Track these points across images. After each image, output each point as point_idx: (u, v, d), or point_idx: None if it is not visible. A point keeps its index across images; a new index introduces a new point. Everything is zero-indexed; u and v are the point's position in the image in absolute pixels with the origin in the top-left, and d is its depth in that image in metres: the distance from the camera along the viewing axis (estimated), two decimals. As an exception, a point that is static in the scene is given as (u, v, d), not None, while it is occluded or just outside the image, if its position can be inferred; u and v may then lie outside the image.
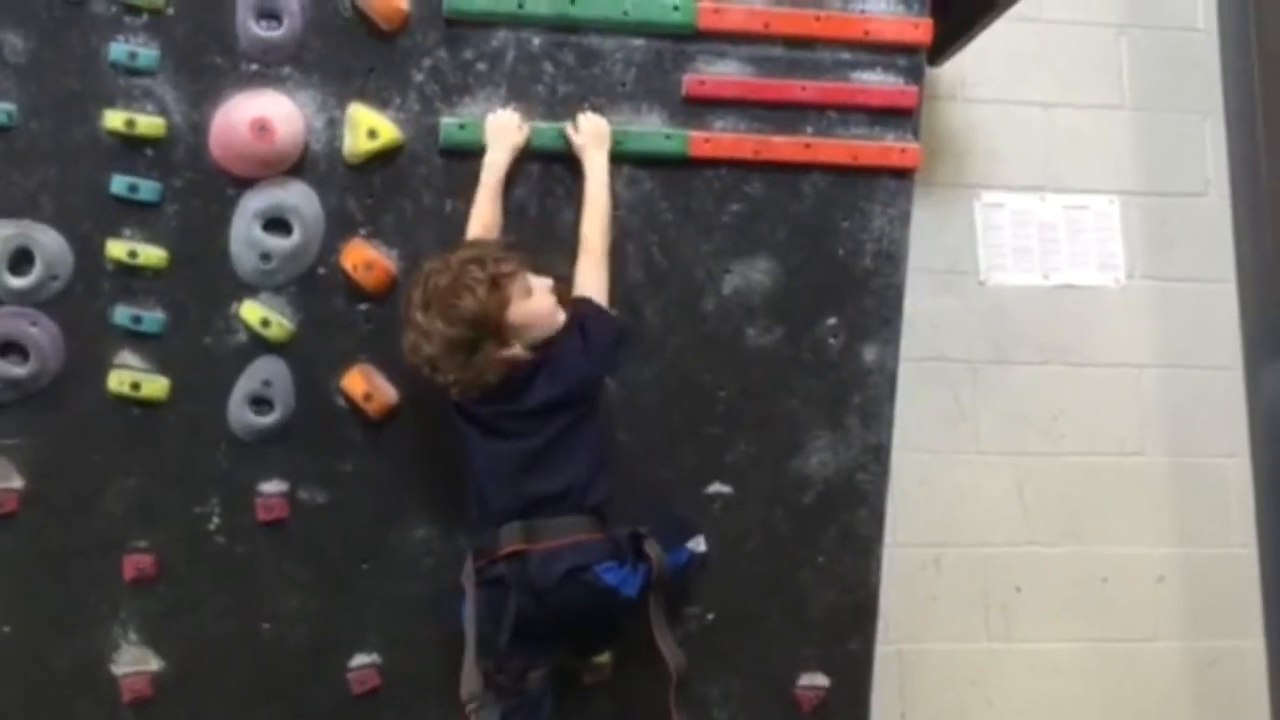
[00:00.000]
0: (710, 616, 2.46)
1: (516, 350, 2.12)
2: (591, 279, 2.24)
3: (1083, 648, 3.35)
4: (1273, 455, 3.37)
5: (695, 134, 2.37)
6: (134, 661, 2.33)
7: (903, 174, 2.47)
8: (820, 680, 2.50)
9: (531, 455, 2.14)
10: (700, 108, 2.39)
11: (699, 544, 2.39)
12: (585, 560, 2.13)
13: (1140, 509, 3.41)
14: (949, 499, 3.32)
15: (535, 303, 2.14)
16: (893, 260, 2.49)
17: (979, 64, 3.32)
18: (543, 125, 2.32)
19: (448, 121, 2.30)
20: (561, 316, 2.18)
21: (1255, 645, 3.40)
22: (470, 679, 2.12)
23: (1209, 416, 3.45)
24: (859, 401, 2.50)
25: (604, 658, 2.38)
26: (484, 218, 2.24)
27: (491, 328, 2.08)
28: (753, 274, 2.44)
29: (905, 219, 2.48)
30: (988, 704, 3.32)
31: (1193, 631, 3.40)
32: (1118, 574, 3.37)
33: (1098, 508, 3.38)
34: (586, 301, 2.22)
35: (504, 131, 2.28)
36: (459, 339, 2.07)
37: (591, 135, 2.30)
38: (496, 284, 2.08)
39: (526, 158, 2.32)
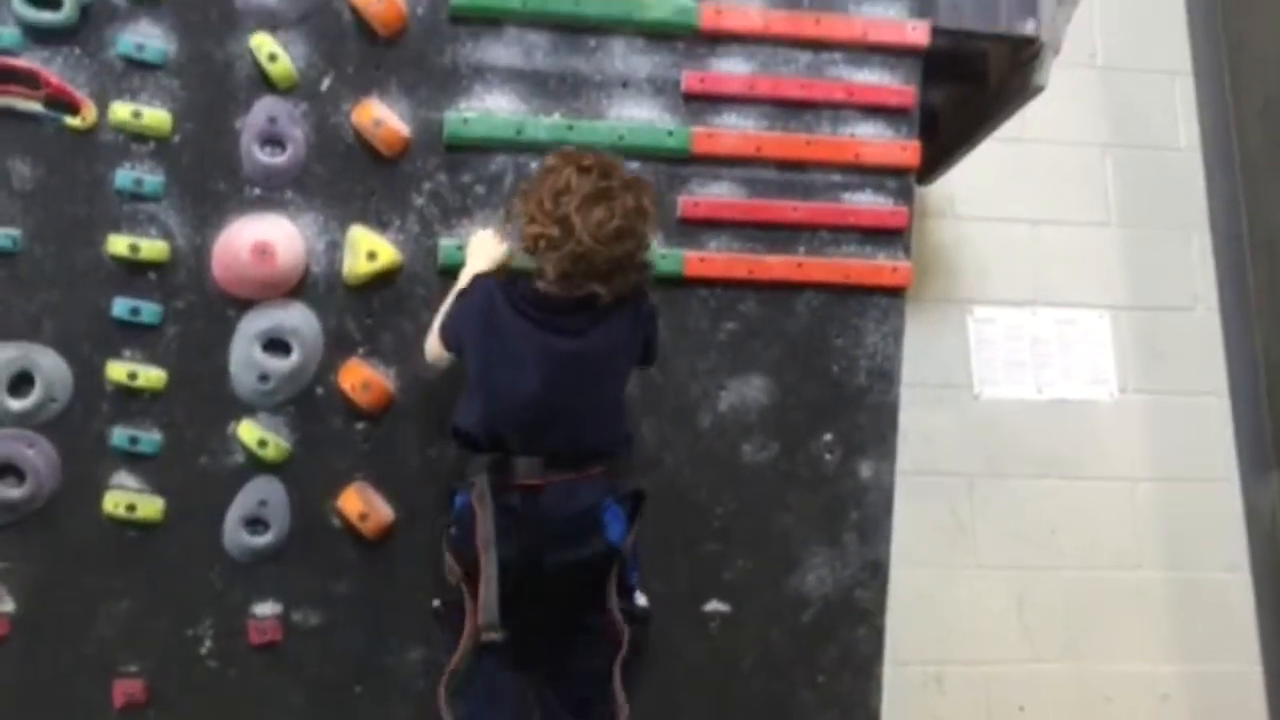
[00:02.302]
0: (709, 739, 2.42)
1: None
2: None
3: (1090, 768, 3.30)
4: (1273, 570, 3.35)
5: (690, 254, 2.41)
6: (121, 790, 2.28)
7: (895, 292, 2.50)
8: (822, 805, 2.45)
9: (572, 403, 2.11)
10: (695, 228, 2.43)
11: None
12: (595, 498, 2.12)
13: (1142, 624, 3.38)
14: (949, 615, 3.30)
15: None
16: (886, 377, 2.51)
17: (967, 182, 3.40)
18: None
19: (446, 243, 2.34)
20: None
21: (1265, 764, 3.35)
22: (491, 604, 2.01)
23: (1207, 530, 3.44)
24: (856, 518, 2.49)
25: None
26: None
27: (649, 237, 2.12)
28: (748, 391, 2.46)
29: (898, 336, 2.51)
30: (995, 826, 3.26)
31: (1200, 750, 3.35)
32: (1121, 692, 3.33)
33: (1099, 623, 3.36)
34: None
35: (485, 247, 2.30)
36: (637, 216, 2.07)
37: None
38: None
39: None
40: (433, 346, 2.24)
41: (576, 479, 2.12)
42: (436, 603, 2.28)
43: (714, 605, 2.45)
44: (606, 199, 2.05)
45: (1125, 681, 3.33)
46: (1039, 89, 2.63)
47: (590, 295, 2.08)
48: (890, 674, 2.57)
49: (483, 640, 2.04)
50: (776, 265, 2.44)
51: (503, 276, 2.19)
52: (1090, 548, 3.39)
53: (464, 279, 2.24)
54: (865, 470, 2.50)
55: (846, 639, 2.48)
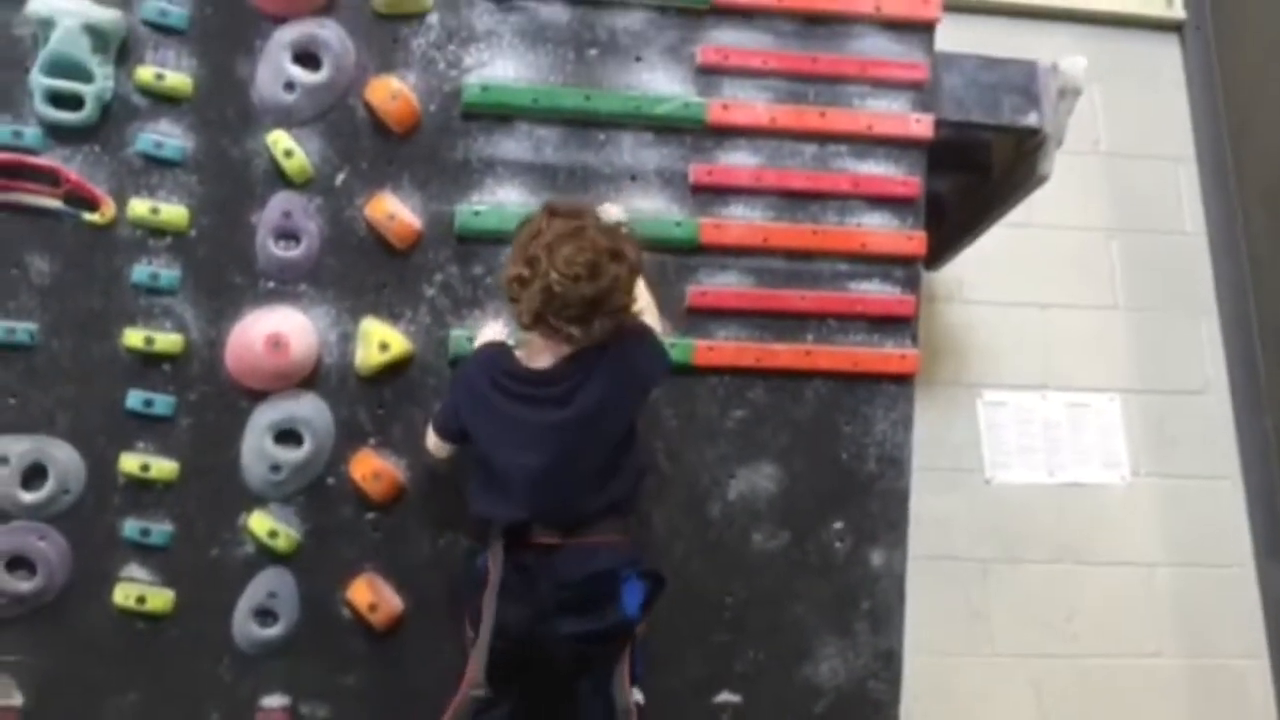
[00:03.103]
0: (722, 835, 2.39)
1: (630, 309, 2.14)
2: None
3: None
4: (1292, 658, 3.31)
5: (699, 342, 2.43)
6: None
7: (903, 379, 2.51)
8: None
9: (578, 469, 2.09)
10: (703, 317, 2.45)
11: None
12: (613, 564, 2.08)
13: (1160, 712, 3.33)
14: (965, 704, 3.25)
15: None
16: (896, 464, 2.51)
17: (975, 267, 3.42)
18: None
19: (457, 334, 2.36)
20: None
21: None
22: (481, 662, 2.01)
23: (1224, 616, 3.40)
24: (868, 606, 2.48)
25: None
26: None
27: (631, 281, 2.11)
28: (757, 479, 2.46)
29: (907, 423, 2.52)
30: None
31: (1224, 846, 3.28)
32: (1142, 782, 3.27)
33: (1117, 711, 3.30)
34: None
35: (494, 339, 2.30)
36: (616, 268, 2.06)
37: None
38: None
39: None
40: (431, 440, 2.27)
41: (598, 543, 2.10)
42: None
43: (725, 696, 2.42)
44: (575, 237, 2.04)
45: (1145, 771, 3.28)
46: (1044, 179, 2.66)
47: (568, 341, 2.07)
48: (906, 765, 2.53)
49: (471, 696, 2.03)
50: (785, 354, 2.46)
51: (485, 352, 2.20)
52: (1107, 634, 3.35)
53: None
54: (877, 558, 2.48)
55: (861, 731, 2.45)
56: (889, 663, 2.48)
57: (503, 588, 2.05)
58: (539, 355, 2.12)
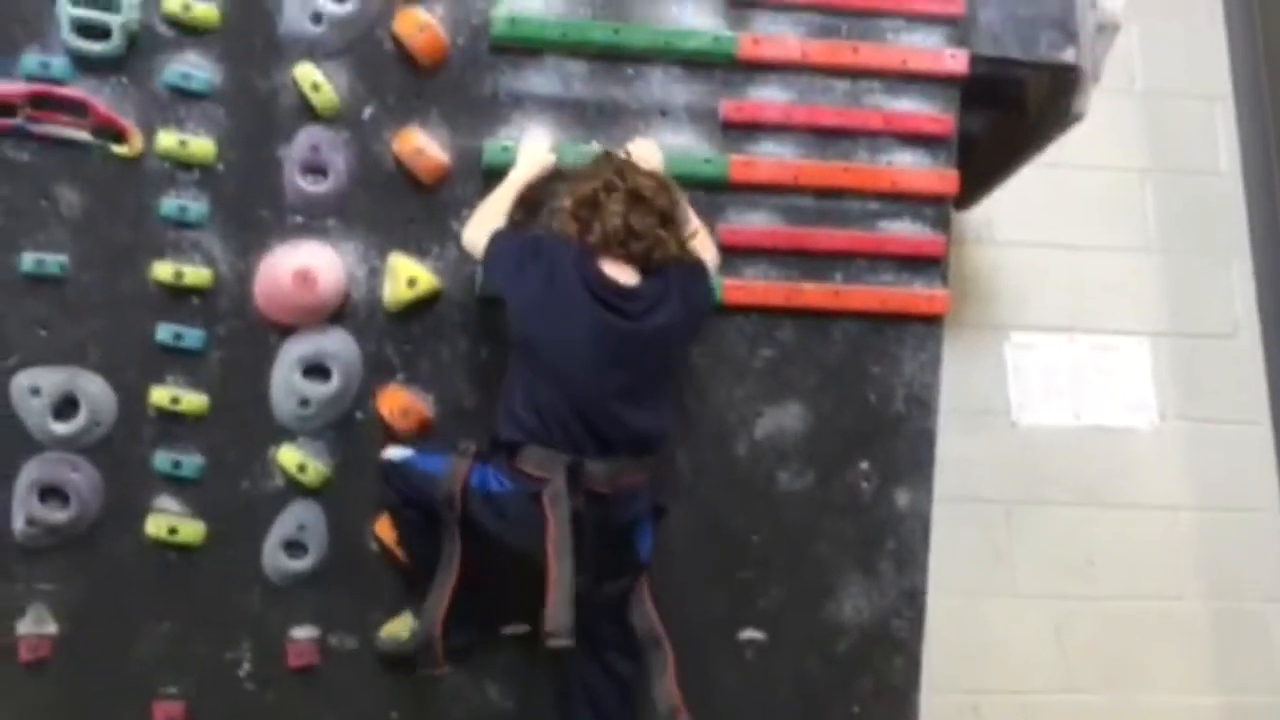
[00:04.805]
0: (744, 768, 2.42)
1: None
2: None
3: (1129, 801, 3.26)
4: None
5: (728, 281, 2.41)
6: (160, 812, 2.30)
7: (931, 320, 2.50)
8: (858, 836, 2.44)
9: (635, 385, 2.12)
10: (732, 255, 2.43)
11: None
12: (642, 510, 2.16)
13: (1182, 656, 3.34)
14: (986, 644, 3.27)
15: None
16: (924, 405, 2.50)
17: (1004, 207, 3.37)
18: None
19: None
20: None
21: (1308, 797, 3.29)
22: (565, 609, 2.01)
23: (1248, 560, 3.40)
24: (892, 546, 2.49)
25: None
26: (490, 221, 2.22)
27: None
28: (784, 419, 2.46)
29: (935, 364, 2.50)
30: None
31: (1242, 785, 3.30)
32: (1162, 725, 3.29)
33: (1139, 654, 3.32)
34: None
35: (535, 151, 2.32)
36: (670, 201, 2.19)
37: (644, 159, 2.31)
38: None
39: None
40: (478, 239, 2.21)
41: (635, 485, 2.14)
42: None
43: (749, 633, 2.45)
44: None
45: (1164, 713, 3.29)
46: (1079, 117, 2.61)
47: (648, 251, 2.14)
48: (927, 704, 2.56)
49: (549, 646, 2.02)
50: (813, 293, 2.44)
51: (574, 246, 2.18)
52: (1129, 577, 3.35)
53: (508, 183, 2.26)
54: (902, 498, 2.49)
55: (883, 668, 2.47)
56: (912, 602, 2.50)
57: (563, 539, 2.04)
58: (616, 271, 2.15)
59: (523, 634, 2.31)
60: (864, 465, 2.48)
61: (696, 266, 2.25)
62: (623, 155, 2.27)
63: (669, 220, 2.18)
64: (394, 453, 2.25)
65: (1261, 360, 3.50)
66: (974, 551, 3.30)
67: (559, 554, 2.03)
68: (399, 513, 2.26)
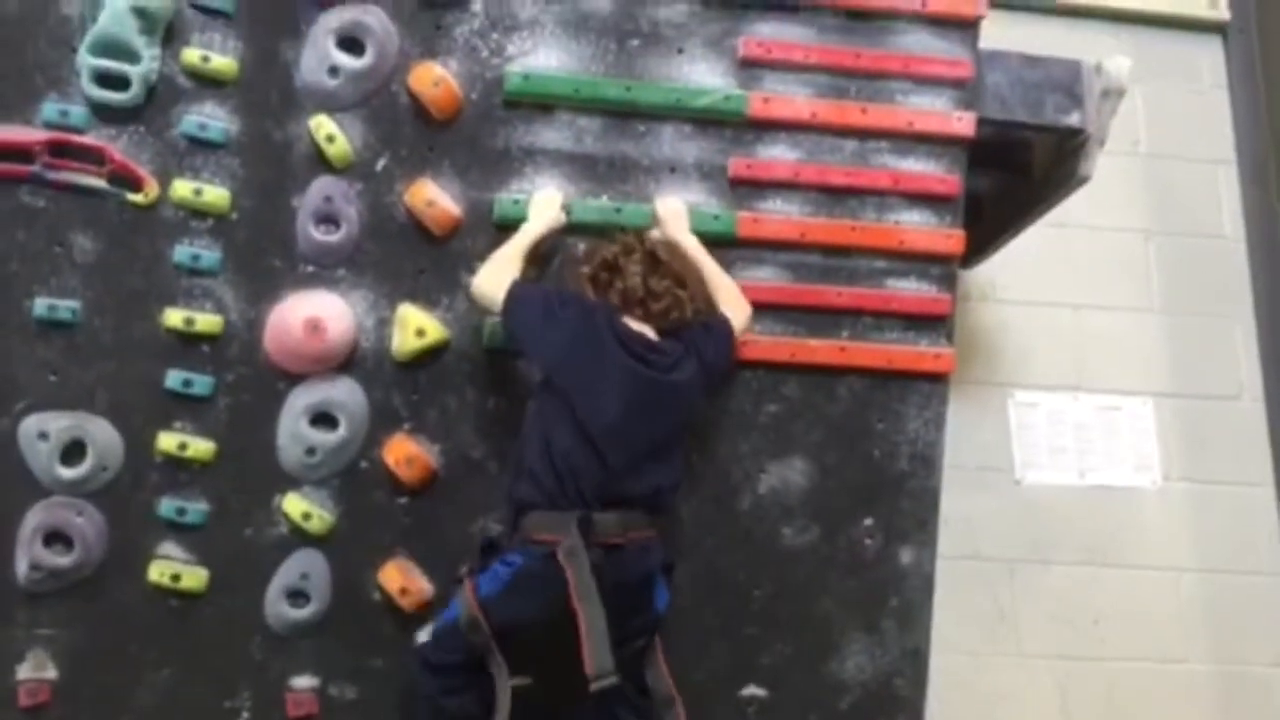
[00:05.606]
0: (744, 828, 2.39)
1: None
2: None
3: None
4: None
5: (734, 337, 2.43)
6: None
7: (937, 378, 2.51)
8: None
9: (656, 437, 2.15)
10: (738, 311, 2.44)
11: None
12: (656, 564, 2.17)
13: (1187, 718, 3.30)
14: (990, 704, 3.25)
15: None
16: (928, 463, 2.50)
17: (1010, 266, 3.41)
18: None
19: (493, 320, 2.36)
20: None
21: None
22: (603, 650, 2.00)
23: (1252, 624, 3.38)
24: (896, 604, 2.48)
25: None
26: (502, 273, 2.23)
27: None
28: (789, 474, 2.46)
29: (940, 422, 2.51)
30: None
31: None
32: (1166, 787, 3.26)
33: (1143, 716, 3.29)
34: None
35: (546, 207, 2.34)
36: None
37: (672, 214, 2.37)
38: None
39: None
40: (492, 290, 2.22)
41: (648, 540, 2.15)
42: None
43: (751, 690, 2.43)
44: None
45: (1170, 777, 3.26)
46: (1084, 179, 2.65)
47: (666, 311, 2.22)
48: (929, 764, 2.53)
49: (593, 689, 2.00)
50: (819, 349, 2.46)
51: (601, 303, 2.24)
52: (1134, 638, 3.34)
53: (521, 236, 2.29)
54: (906, 556, 2.48)
55: (885, 728, 2.46)
56: (915, 660, 2.48)
57: (585, 587, 2.04)
58: (639, 327, 2.22)
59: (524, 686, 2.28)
60: (868, 522, 2.48)
61: (714, 324, 2.29)
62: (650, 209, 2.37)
63: (685, 282, 2.26)
64: (421, 634, 2.26)
65: (1265, 422, 3.51)
66: (978, 610, 3.29)
67: (585, 600, 2.03)
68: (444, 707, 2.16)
